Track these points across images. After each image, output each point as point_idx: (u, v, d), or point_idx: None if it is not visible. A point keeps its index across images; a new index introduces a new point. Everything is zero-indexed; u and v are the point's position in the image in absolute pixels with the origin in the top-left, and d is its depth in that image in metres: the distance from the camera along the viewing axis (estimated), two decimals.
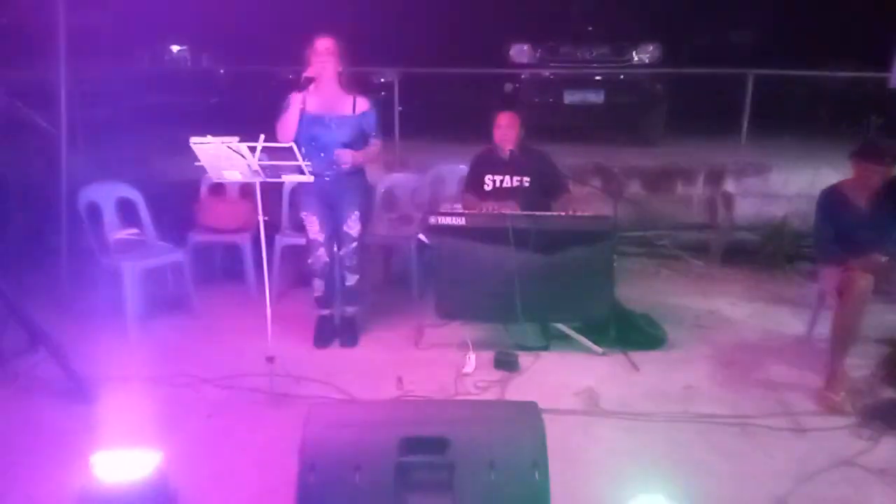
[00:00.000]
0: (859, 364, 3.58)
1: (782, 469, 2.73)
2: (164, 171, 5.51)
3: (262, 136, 2.91)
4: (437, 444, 1.93)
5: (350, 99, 3.67)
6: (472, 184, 4.15)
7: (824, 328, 3.55)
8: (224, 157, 2.92)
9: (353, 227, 3.73)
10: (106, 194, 4.20)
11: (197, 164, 3.01)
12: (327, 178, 3.61)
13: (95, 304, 4.13)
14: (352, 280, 3.84)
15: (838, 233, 3.61)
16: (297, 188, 3.81)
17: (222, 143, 2.85)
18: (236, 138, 2.85)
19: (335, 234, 3.77)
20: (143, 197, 4.32)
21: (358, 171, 3.74)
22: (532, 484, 1.91)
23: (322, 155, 3.58)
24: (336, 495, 1.87)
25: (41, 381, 3.27)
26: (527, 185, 4.02)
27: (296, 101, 3.56)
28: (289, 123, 3.55)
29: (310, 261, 3.80)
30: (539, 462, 1.94)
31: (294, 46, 3.67)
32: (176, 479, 2.17)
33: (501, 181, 4.07)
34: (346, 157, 3.57)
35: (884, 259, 3.41)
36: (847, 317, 3.32)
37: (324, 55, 3.54)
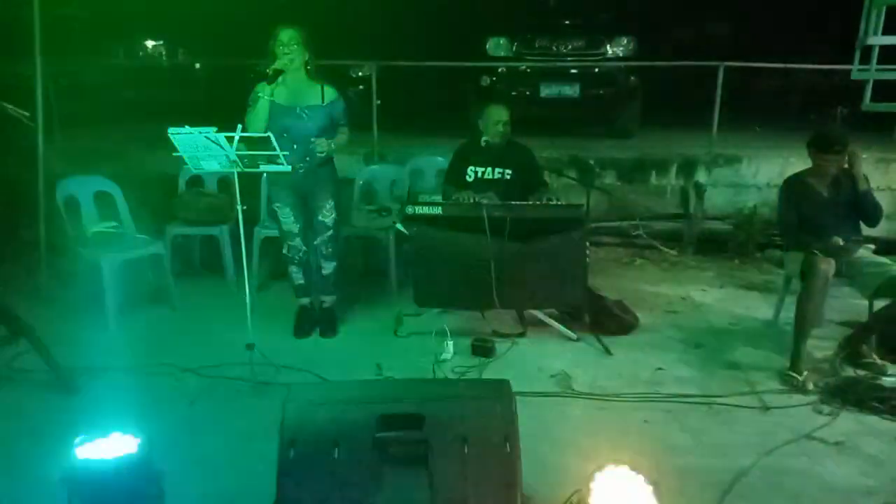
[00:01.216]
0: (822, 345, 3.72)
1: (746, 443, 2.85)
2: (142, 164, 5.52)
3: (240, 126, 2.95)
4: (412, 420, 2.02)
5: (318, 88, 3.67)
6: (454, 174, 4.20)
7: (791, 312, 3.66)
8: (202, 148, 2.97)
9: (327, 216, 3.78)
10: (84, 187, 4.21)
11: (175, 154, 3.05)
12: (300, 170, 3.62)
13: (75, 297, 4.15)
14: (329, 268, 3.90)
15: (801, 219, 3.74)
16: (271, 180, 3.82)
17: (199, 133, 2.89)
18: (214, 128, 2.89)
19: (309, 224, 3.81)
20: (121, 190, 4.34)
21: (329, 161, 3.76)
22: (504, 456, 2.00)
23: (295, 146, 3.57)
24: (315, 470, 1.94)
25: (22, 372, 3.29)
26: (508, 177, 4.10)
27: (265, 94, 3.52)
28: (259, 117, 3.50)
29: (285, 251, 3.85)
30: (510, 436, 2.03)
31: (269, 40, 3.66)
32: (160, 462, 2.23)
33: (483, 172, 4.13)
34: (324, 146, 3.59)
35: (842, 242, 3.53)
36: (809, 299, 3.45)
37: (289, 46, 3.52)
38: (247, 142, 3.07)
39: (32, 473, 2.51)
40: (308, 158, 3.62)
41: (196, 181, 4.77)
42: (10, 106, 4.44)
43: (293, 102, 3.61)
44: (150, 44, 14.38)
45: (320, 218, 3.78)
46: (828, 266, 3.42)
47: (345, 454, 1.96)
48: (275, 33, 3.55)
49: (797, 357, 3.43)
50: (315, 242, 3.83)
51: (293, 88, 3.61)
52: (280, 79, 3.51)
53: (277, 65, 3.46)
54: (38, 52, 4.22)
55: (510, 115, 4.14)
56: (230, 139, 2.95)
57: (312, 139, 3.58)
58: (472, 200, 3.85)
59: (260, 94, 3.51)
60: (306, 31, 3.61)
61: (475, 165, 4.14)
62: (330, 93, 3.69)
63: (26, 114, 4.43)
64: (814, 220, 3.69)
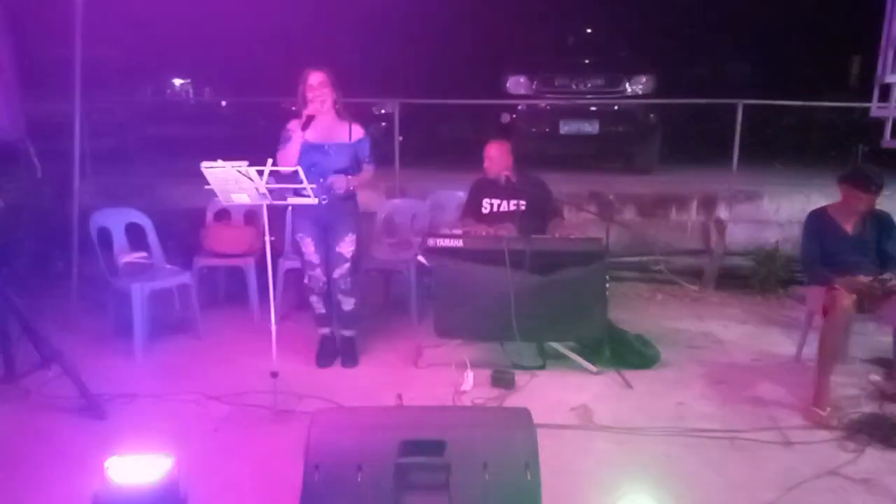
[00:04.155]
0: (846, 382, 3.70)
1: (769, 479, 2.81)
2: (171, 198, 5.68)
3: (270, 160, 3.06)
4: (434, 447, 2.04)
5: (346, 126, 3.80)
6: (471, 207, 4.32)
7: (814, 349, 3.64)
8: (233, 181, 3.07)
9: (346, 248, 3.85)
10: (116, 219, 4.35)
11: (207, 187, 3.16)
12: (324, 202, 3.73)
13: (104, 325, 4.25)
14: (348, 304, 3.95)
15: (824, 253, 3.74)
16: (294, 212, 3.93)
17: (232, 167, 3.00)
18: (245, 162, 3.00)
19: (329, 256, 3.89)
20: (151, 222, 4.47)
21: (351, 196, 3.87)
22: (524, 483, 2.01)
23: (321, 180, 3.69)
24: (339, 493, 1.97)
25: (53, 397, 3.37)
26: (523, 208, 4.17)
27: (297, 133, 3.64)
28: (290, 155, 3.63)
29: (306, 280, 3.93)
30: (530, 463, 2.04)
31: (295, 79, 3.79)
32: (186, 485, 2.27)
33: (499, 205, 4.23)
34: (341, 184, 3.69)
35: (867, 280, 3.52)
36: (831, 334, 3.43)
37: (318, 89, 3.66)
38: (276, 174, 3.17)
39: (63, 495, 2.57)
40: (331, 191, 3.73)
41: (223, 214, 4.90)
42: (33, 154, 4.54)
43: (321, 140, 3.74)
44: (177, 82, 14.86)
45: (338, 250, 3.85)
46: (850, 302, 3.41)
47: (367, 478, 1.99)
48: (304, 77, 3.70)
49: (820, 393, 3.39)
50: (333, 276, 3.89)
51: (322, 127, 3.74)
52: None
53: (311, 110, 3.62)
54: (78, 90, 4.40)
55: (509, 149, 4.27)
56: (260, 173, 3.06)
57: (330, 178, 3.68)
58: (484, 233, 3.92)
59: (292, 134, 3.64)
60: (334, 71, 3.75)
61: (490, 198, 4.25)
62: (357, 131, 3.83)
63: (37, 167, 4.52)
64: (836, 256, 3.69)
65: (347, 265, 3.88)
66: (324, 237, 3.87)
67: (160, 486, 2.15)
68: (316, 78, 3.68)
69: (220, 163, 3.02)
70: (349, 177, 3.74)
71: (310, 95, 3.67)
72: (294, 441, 2.79)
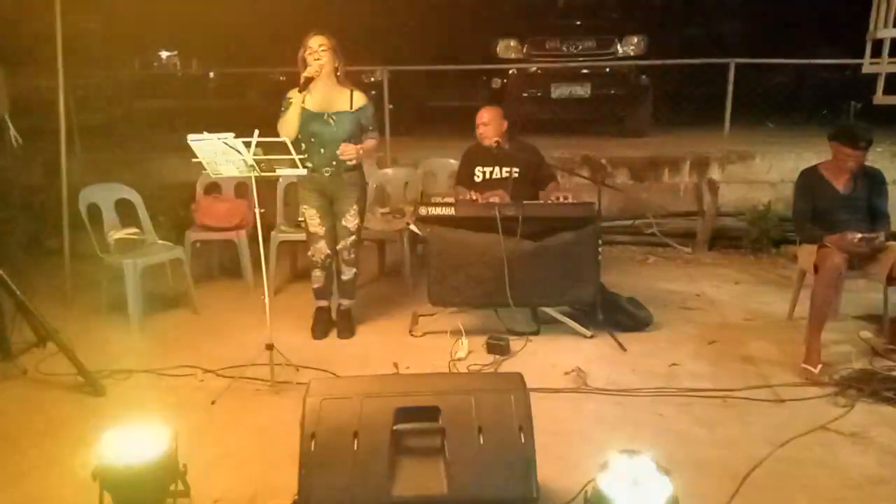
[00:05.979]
0: (838, 339, 3.74)
1: (760, 435, 2.86)
2: (160, 172, 5.65)
3: (257, 132, 3.02)
4: (428, 413, 2.07)
5: (347, 94, 3.73)
6: (464, 175, 4.29)
7: (805, 307, 3.66)
8: (220, 153, 3.04)
9: (351, 221, 3.84)
10: (105, 195, 4.31)
11: (194, 160, 3.13)
12: (327, 174, 3.71)
13: (98, 302, 4.25)
14: (349, 274, 3.96)
15: (815, 212, 3.75)
16: (296, 183, 3.90)
17: (218, 139, 2.97)
18: (231, 134, 2.97)
19: (333, 228, 3.88)
20: (141, 197, 4.43)
21: (356, 167, 3.82)
22: (518, 445, 2.04)
23: (322, 151, 3.66)
24: (335, 460, 2.00)
25: (50, 374, 3.39)
26: (516, 175, 4.14)
27: (296, 100, 3.59)
28: (291, 123, 3.59)
29: (310, 253, 3.92)
30: (524, 426, 2.07)
31: (283, 48, 3.72)
32: (184, 458, 2.30)
33: (491, 172, 4.21)
34: (351, 153, 3.65)
35: (857, 238, 3.53)
36: (822, 292, 3.46)
37: (319, 52, 3.59)
38: (265, 146, 3.14)
39: (63, 470, 2.59)
40: (335, 163, 3.69)
41: (213, 187, 4.87)
42: (12, 128, 4.45)
43: (322, 108, 3.68)
44: (164, 54, 14.63)
45: (343, 223, 3.83)
46: (840, 260, 3.43)
47: (364, 446, 2.02)
48: (305, 41, 3.62)
49: (811, 350, 3.43)
50: (338, 247, 3.89)
51: (323, 95, 3.67)
52: (311, 85, 3.57)
53: (308, 72, 3.52)
54: (60, 65, 4.32)
55: (502, 114, 4.21)
56: (247, 144, 3.03)
57: (341, 147, 3.64)
58: (476, 198, 3.91)
59: (292, 101, 3.59)
60: (335, 38, 3.67)
61: (482, 166, 4.22)
62: (359, 99, 3.75)
63: (19, 140, 4.44)
64: (828, 215, 3.70)
65: (353, 238, 3.87)
66: (328, 208, 3.84)
67: (159, 459, 2.18)
68: (316, 41, 3.60)
69: (206, 135, 2.99)
70: (356, 146, 3.69)
71: (309, 59, 3.59)
72: (291, 412, 2.81)
